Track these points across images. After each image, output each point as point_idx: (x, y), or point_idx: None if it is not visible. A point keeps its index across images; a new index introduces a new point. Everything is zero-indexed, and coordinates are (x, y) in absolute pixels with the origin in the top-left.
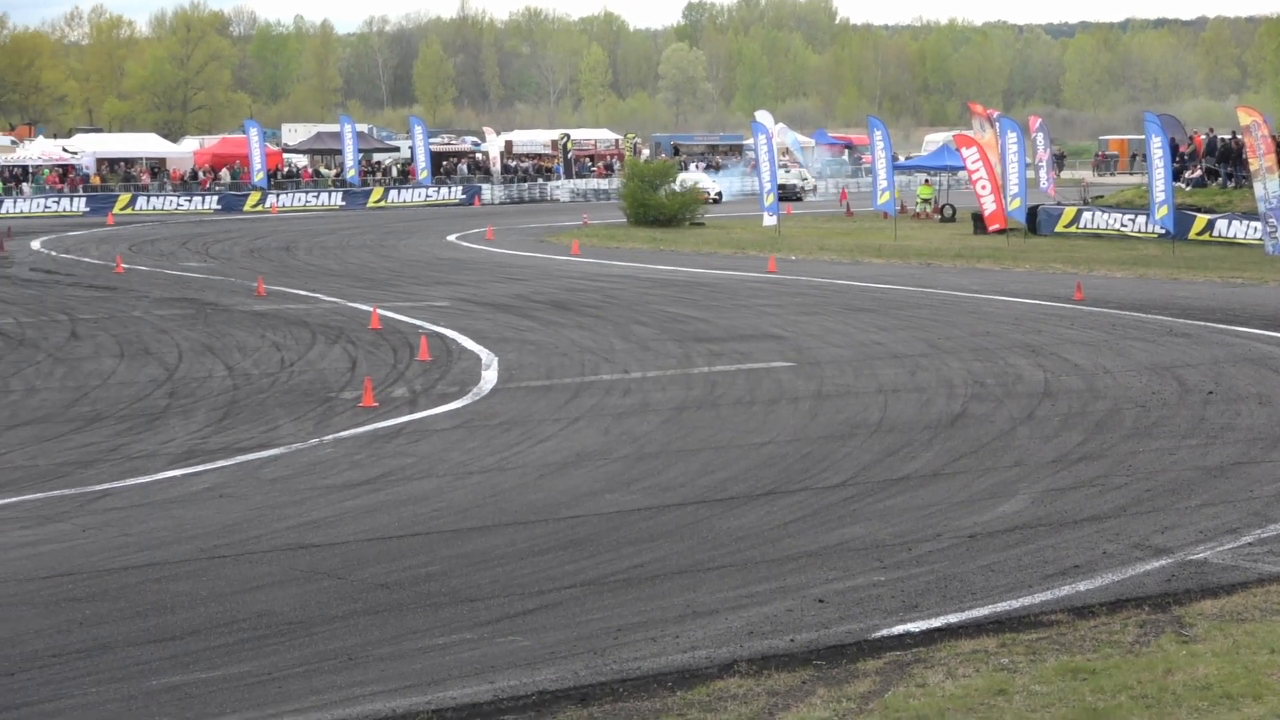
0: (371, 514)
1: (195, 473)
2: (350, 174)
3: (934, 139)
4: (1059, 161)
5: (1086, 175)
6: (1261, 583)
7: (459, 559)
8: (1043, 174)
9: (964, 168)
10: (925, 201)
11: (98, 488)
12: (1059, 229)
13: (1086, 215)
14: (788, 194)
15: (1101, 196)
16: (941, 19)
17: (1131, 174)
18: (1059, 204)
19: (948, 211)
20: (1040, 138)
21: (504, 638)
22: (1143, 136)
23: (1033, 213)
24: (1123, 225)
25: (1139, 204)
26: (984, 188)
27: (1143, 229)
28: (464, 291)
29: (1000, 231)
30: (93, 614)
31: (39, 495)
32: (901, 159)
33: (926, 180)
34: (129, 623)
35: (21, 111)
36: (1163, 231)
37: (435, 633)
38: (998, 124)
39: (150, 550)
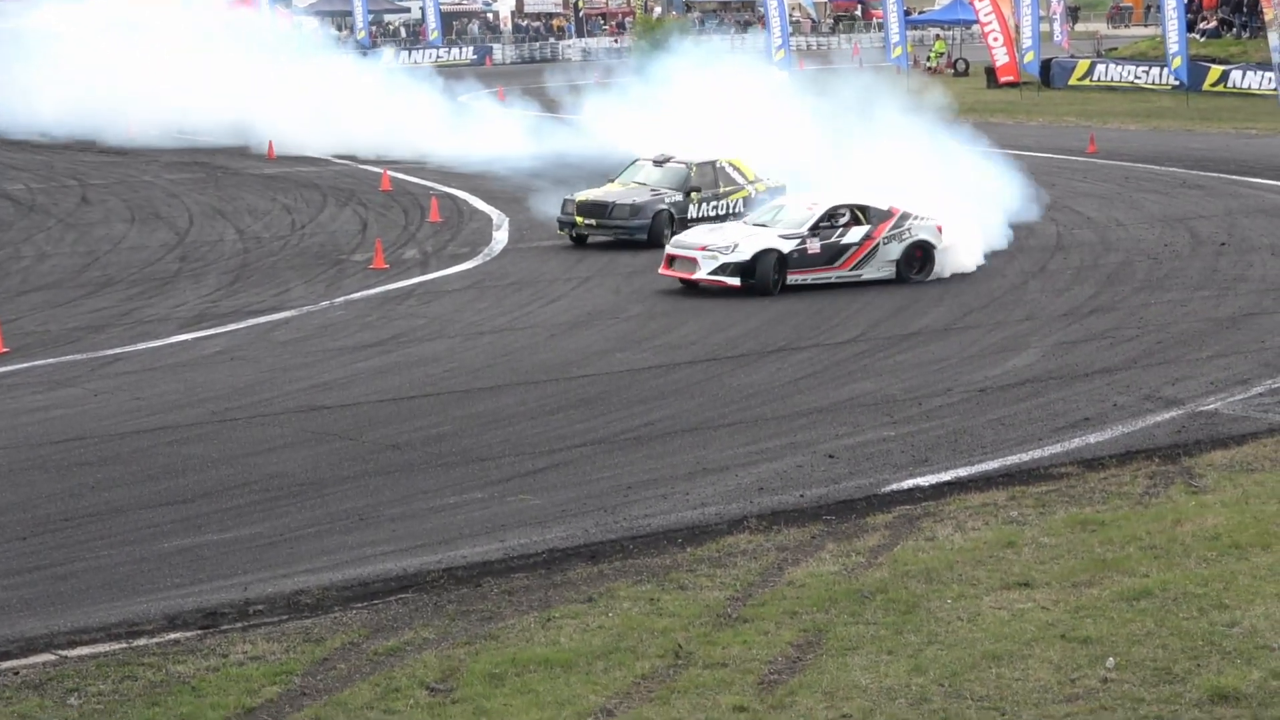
0: (383, 375)
1: (206, 336)
2: (360, 35)
3: None
4: (1073, 14)
5: (1100, 28)
6: (1272, 433)
7: (470, 419)
8: (1056, 26)
9: (976, 21)
10: (938, 55)
11: (109, 352)
12: (1072, 82)
13: (1100, 68)
14: None
15: (1115, 49)
16: None
17: (1146, 26)
18: (1072, 57)
19: (960, 66)
20: None
21: (514, 496)
22: None
23: (1046, 66)
24: (1136, 77)
25: (1153, 56)
26: (996, 40)
27: (1157, 81)
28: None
29: (1013, 85)
30: (104, 478)
31: (50, 360)
32: (914, 14)
33: (939, 35)
34: (140, 486)
35: None
36: (1176, 83)
37: (446, 492)
38: None
39: (161, 414)
